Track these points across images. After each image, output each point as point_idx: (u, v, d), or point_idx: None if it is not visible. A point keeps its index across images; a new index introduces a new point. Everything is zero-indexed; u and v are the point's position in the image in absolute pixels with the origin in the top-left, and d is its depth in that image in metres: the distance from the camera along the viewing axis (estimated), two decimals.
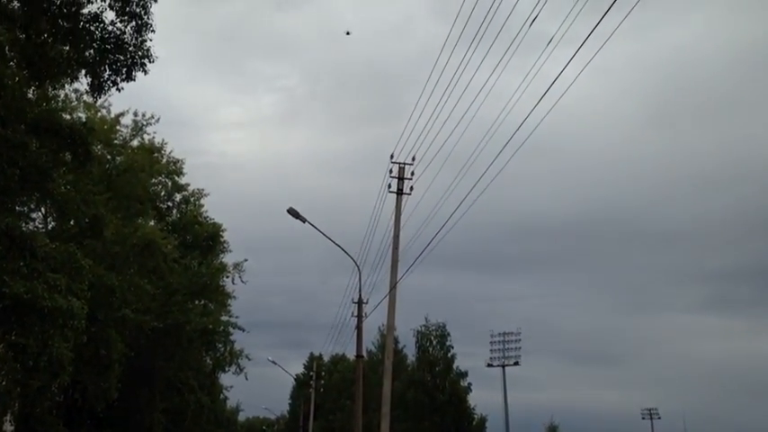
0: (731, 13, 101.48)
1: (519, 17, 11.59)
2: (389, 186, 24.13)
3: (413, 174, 23.81)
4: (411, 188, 23.92)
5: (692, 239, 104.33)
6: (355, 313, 27.05)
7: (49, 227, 29.74)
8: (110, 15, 16.77)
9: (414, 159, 23.35)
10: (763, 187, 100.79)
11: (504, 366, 57.96)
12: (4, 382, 24.55)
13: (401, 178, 23.97)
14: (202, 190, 39.44)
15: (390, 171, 24.09)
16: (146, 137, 33.52)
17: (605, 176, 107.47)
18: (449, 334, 57.38)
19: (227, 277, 40.30)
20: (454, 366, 56.56)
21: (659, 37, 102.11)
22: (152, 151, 33.73)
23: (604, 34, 9.59)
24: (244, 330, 42.73)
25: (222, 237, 39.78)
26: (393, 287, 23.41)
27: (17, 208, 26.28)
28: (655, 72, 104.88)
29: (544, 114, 11.86)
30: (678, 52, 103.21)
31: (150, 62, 17.33)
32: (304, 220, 25.16)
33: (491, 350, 59.02)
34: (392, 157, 23.88)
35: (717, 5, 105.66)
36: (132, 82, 17.53)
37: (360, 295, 26.52)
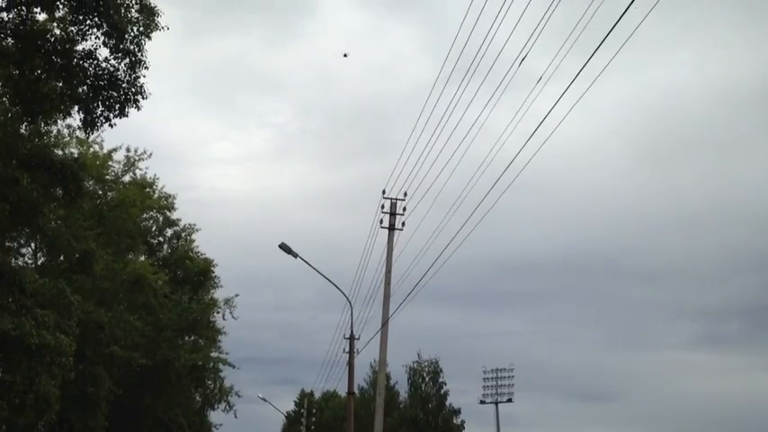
0: (719, 52, 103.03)
1: (509, 56, 11.78)
2: (381, 222, 24.20)
3: (404, 209, 23.92)
4: (403, 224, 24.00)
5: (681, 277, 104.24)
6: (347, 349, 26.87)
7: (39, 262, 29.54)
8: (104, 52, 16.96)
9: (405, 195, 23.49)
10: (751, 227, 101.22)
11: (497, 403, 57.46)
12: None
13: (393, 214, 24.05)
14: (194, 225, 39.31)
15: (382, 207, 24.20)
16: (137, 172, 33.56)
17: (596, 214, 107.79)
18: (441, 370, 56.92)
19: (218, 313, 40.01)
20: (447, 403, 55.96)
21: (647, 77, 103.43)
22: (144, 186, 33.72)
23: (593, 73, 9.75)
24: (234, 367, 42.30)
25: (213, 272, 39.54)
26: (385, 323, 23.31)
27: (7, 243, 26.17)
28: (642, 111, 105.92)
29: (534, 152, 11.99)
30: (666, 91, 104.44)
31: (143, 98, 17.46)
32: (296, 256, 25.12)
33: (484, 387, 58.58)
34: (384, 192, 24.00)
35: (704, 45, 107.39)
36: (125, 118, 17.67)
37: (351, 331, 26.38)
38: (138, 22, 16.81)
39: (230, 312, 40.22)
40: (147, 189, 34.31)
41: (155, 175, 34.81)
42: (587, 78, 9.78)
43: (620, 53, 9.22)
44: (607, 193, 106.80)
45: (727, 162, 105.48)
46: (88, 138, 29.21)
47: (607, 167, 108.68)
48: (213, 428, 52.37)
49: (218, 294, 40.71)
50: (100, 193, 31.47)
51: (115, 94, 17.19)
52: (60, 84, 17.51)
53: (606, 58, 9.40)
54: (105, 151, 31.75)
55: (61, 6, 16.69)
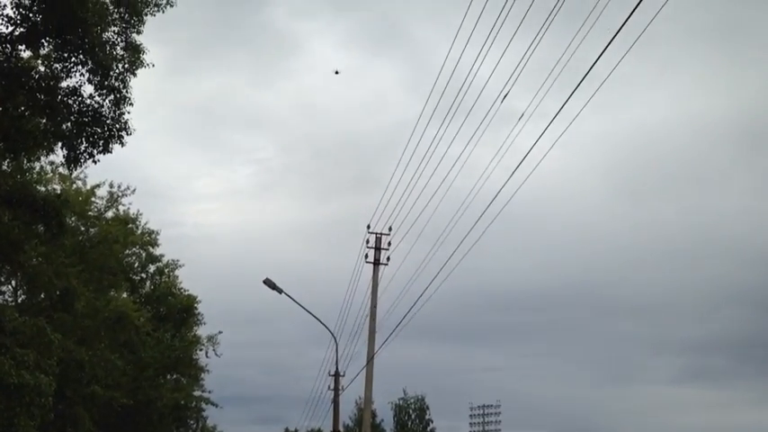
0: (695, 89, 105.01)
1: (491, 93, 12.03)
2: (366, 257, 24.29)
3: (389, 244, 24.03)
4: (388, 258, 24.09)
5: (665, 311, 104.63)
6: (332, 386, 26.67)
7: (19, 300, 29.22)
8: (88, 89, 17.10)
9: (390, 230, 23.61)
10: (733, 260, 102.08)
11: None
12: None
13: (378, 248, 24.14)
14: (177, 261, 39.13)
15: (367, 241, 24.30)
16: (121, 208, 33.40)
17: (578, 248, 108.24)
18: (428, 407, 56.45)
19: (201, 350, 39.66)
20: None
21: (625, 114, 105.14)
22: (127, 222, 33.57)
23: (573, 111, 9.99)
24: (217, 406, 41.78)
25: (196, 309, 39.25)
26: (370, 359, 23.24)
27: None
28: (621, 147, 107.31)
29: (517, 187, 12.18)
30: (643, 128, 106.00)
31: (128, 134, 17.58)
32: (280, 291, 25.09)
33: (470, 423, 58.23)
34: (369, 227, 24.12)
35: (681, 83, 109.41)
36: (109, 154, 17.73)
37: (336, 367, 26.22)
38: (123, 59, 17.01)
39: (213, 350, 39.92)
40: (130, 225, 34.14)
41: (138, 211, 34.72)
42: (567, 115, 10.02)
43: (599, 91, 9.47)
44: (589, 226, 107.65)
45: (707, 196, 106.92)
46: (71, 174, 29.15)
47: (589, 202, 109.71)
48: None
49: (202, 331, 40.42)
50: (82, 229, 31.28)
51: (99, 131, 17.28)
52: (44, 120, 17.59)
53: (586, 96, 9.65)
54: (88, 187, 31.66)
55: (46, 44, 16.84)
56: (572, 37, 9.53)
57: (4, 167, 21.04)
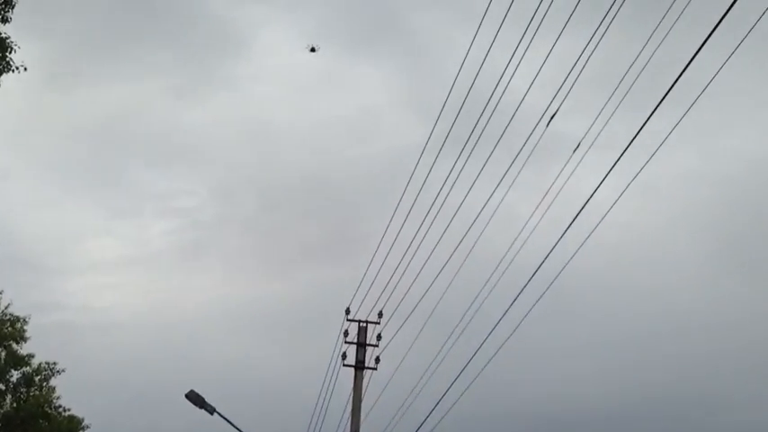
0: None
1: (531, 111, 12.17)
2: (344, 356, 24.19)
3: (379, 337, 23.97)
4: (377, 359, 24.00)
5: None
6: None
7: None
8: None
9: (380, 316, 23.59)
10: None
11: None
12: None
13: (362, 344, 24.09)
14: (54, 364, 38.95)
15: (346, 333, 24.23)
16: None
17: (666, 345, 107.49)
18: None
19: None
20: None
21: (726, 143, 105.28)
22: None
23: (654, 138, 10.07)
24: None
25: None
26: None
27: None
28: (722, 191, 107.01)
29: (573, 251, 12.23)
30: (755, 162, 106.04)
31: None
32: (212, 411, 24.89)
33: None
34: (348, 312, 24.09)
35: None
36: None
37: None
38: None
39: None
40: None
41: None
42: (645, 145, 10.11)
43: (689, 112, 9.58)
44: (681, 312, 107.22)
45: None
46: None
47: (680, 274, 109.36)
48: None
49: None
50: None
51: None
52: None
53: (672, 118, 9.76)
54: None
55: None
56: (650, 31, 9.69)
57: None
